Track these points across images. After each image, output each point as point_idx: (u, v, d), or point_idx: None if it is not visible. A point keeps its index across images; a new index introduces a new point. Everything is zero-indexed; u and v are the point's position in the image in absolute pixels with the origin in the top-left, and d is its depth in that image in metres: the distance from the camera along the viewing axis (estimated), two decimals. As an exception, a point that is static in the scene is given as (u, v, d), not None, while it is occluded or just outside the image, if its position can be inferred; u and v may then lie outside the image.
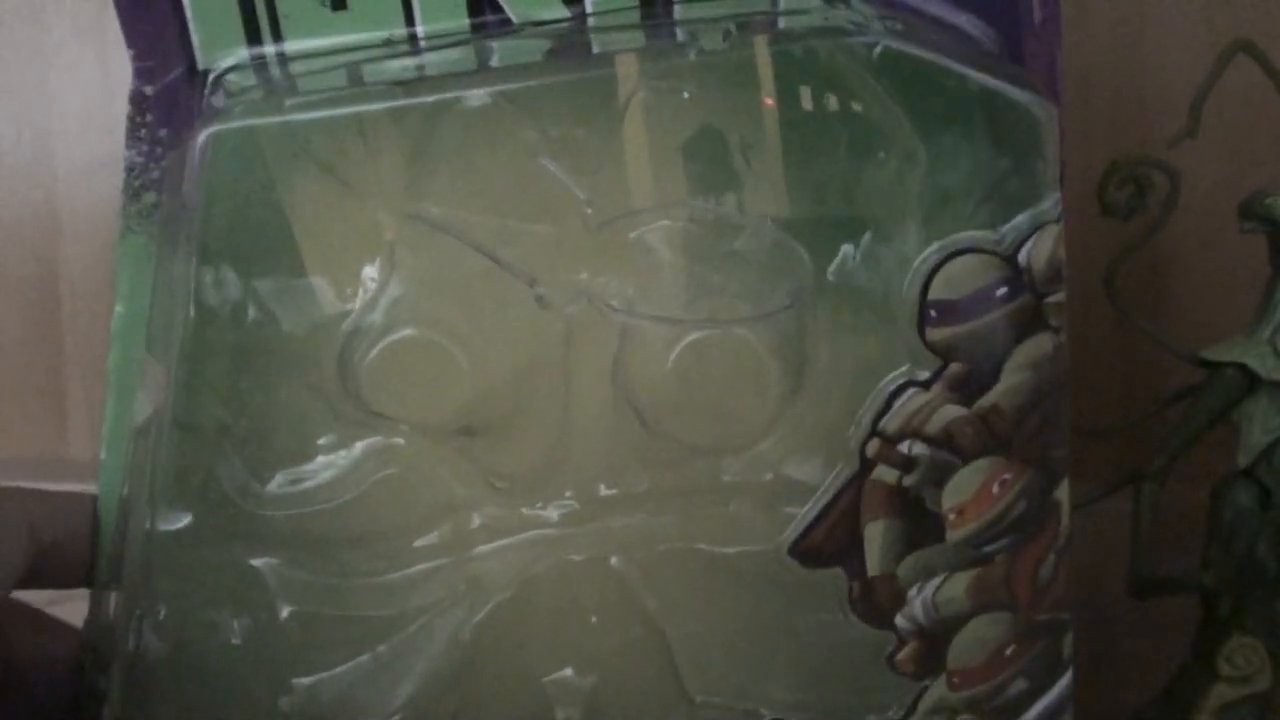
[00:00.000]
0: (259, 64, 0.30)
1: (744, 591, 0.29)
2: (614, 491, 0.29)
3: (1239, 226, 0.35)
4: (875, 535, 0.28)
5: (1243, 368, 0.34)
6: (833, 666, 0.29)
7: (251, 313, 0.28)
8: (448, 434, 0.28)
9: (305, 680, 0.30)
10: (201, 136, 0.28)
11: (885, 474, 0.27)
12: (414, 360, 0.28)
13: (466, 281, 0.28)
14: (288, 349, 0.28)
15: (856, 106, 0.27)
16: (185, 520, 0.29)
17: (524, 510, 0.29)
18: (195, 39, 0.30)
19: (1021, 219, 0.26)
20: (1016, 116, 0.26)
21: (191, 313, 0.28)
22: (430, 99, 0.27)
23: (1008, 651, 0.28)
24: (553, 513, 0.29)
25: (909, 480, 0.27)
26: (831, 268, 0.28)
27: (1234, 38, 0.34)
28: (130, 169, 0.30)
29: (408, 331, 0.28)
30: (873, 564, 0.28)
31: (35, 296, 0.42)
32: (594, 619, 0.29)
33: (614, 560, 0.29)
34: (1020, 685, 0.28)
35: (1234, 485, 0.35)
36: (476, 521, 0.29)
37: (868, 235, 0.27)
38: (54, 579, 0.30)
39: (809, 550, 0.28)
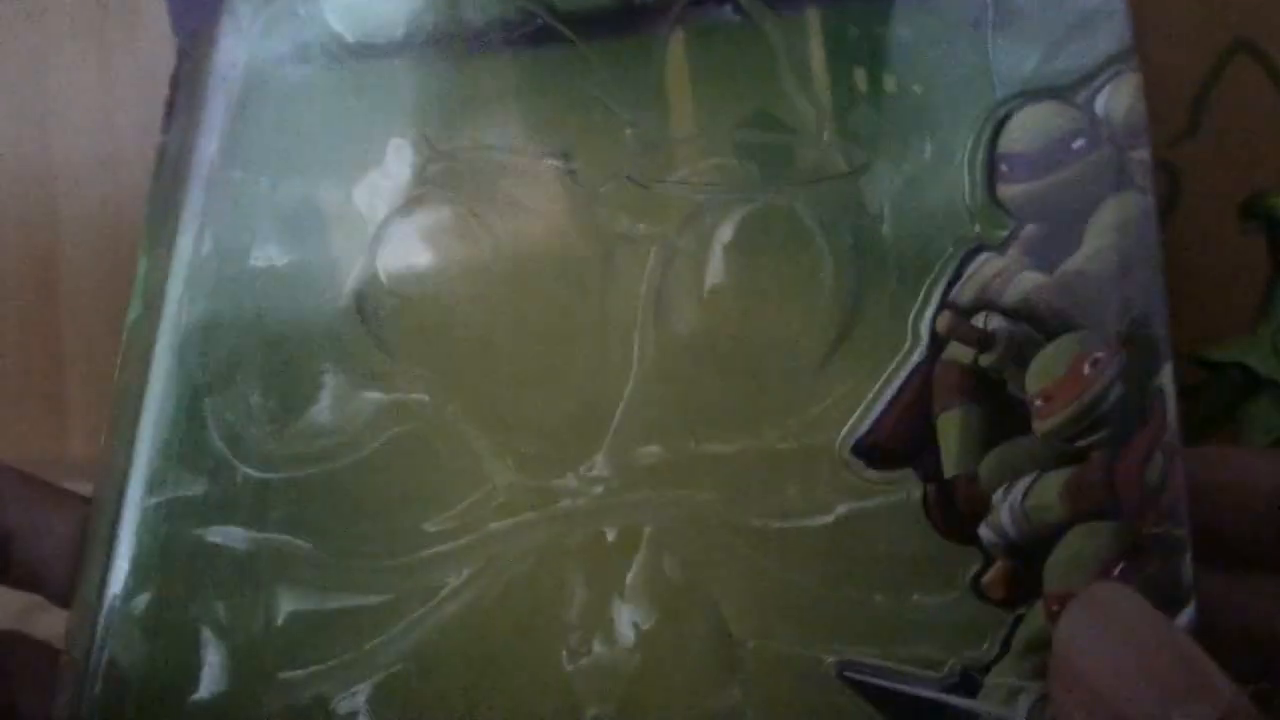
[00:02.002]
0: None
1: (799, 567, 0.25)
2: (653, 455, 0.26)
3: (1239, 226, 0.35)
4: (950, 426, 0.24)
5: (1244, 368, 0.34)
6: (908, 615, 0.24)
7: (265, 248, 0.27)
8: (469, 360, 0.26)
9: (298, 674, 0.26)
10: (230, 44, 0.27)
11: (959, 352, 0.24)
12: (441, 233, 0.26)
13: (498, 173, 0.26)
14: (302, 280, 0.27)
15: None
16: (167, 491, 0.26)
17: (554, 482, 0.26)
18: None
19: (1094, 66, 0.24)
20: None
21: (208, 247, 0.26)
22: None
23: (1116, 571, 0.24)
24: (586, 484, 0.26)
25: (986, 359, 0.24)
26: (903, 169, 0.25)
27: (1234, 37, 0.35)
28: (162, 154, 0.30)
29: (437, 208, 0.26)
30: (949, 461, 0.24)
31: (35, 296, 0.41)
32: (629, 592, 0.26)
33: (648, 530, 0.26)
34: (1134, 617, 0.24)
35: (1235, 485, 0.33)
36: (500, 497, 0.26)
37: (929, 146, 0.25)
38: (18, 575, 0.27)
39: (875, 447, 0.24)
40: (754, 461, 0.26)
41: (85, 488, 0.38)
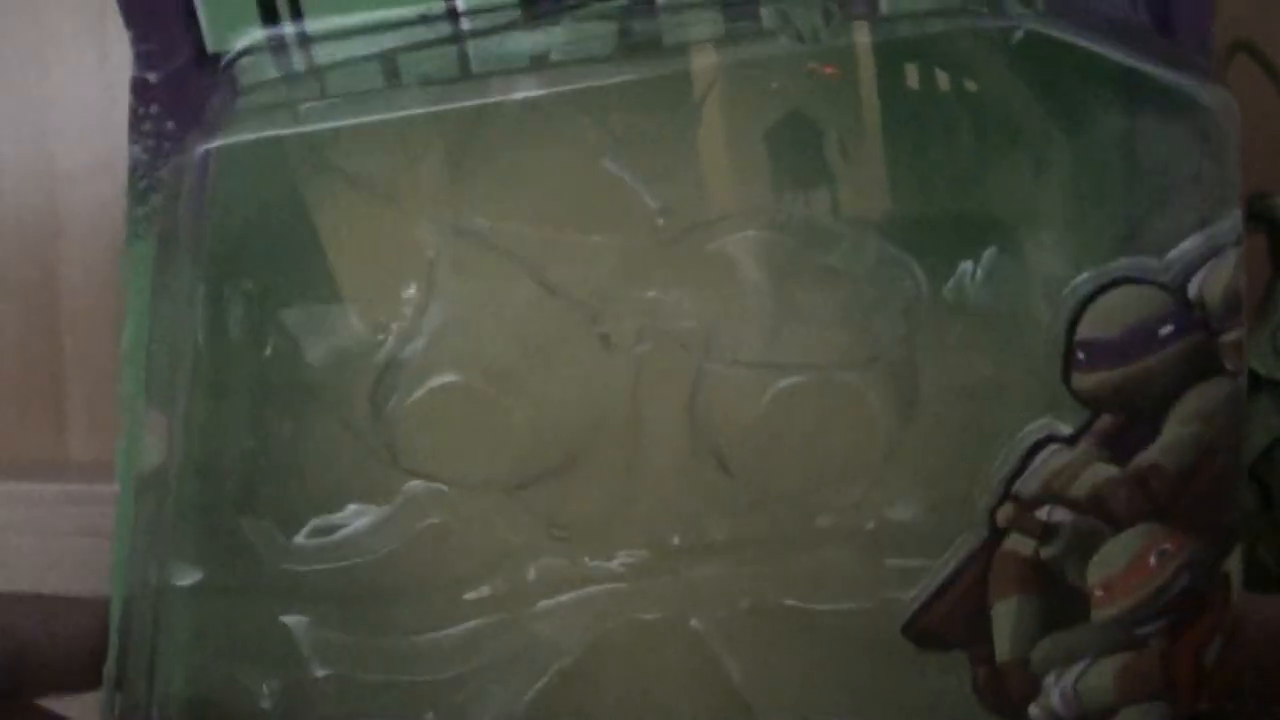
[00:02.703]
0: (277, 46, 0.26)
1: (841, 655, 0.25)
2: (689, 541, 0.25)
3: (1240, 226, 0.33)
4: (1005, 614, 0.23)
5: None
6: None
7: (273, 343, 0.25)
8: (498, 489, 0.25)
9: None
10: (204, 149, 0.24)
11: (1019, 544, 0.23)
12: (457, 411, 0.24)
13: (518, 312, 0.24)
14: (315, 383, 0.25)
15: (974, 88, 0.22)
16: (199, 575, 0.25)
17: (587, 561, 0.25)
18: (203, 18, 0.26)
19: (1192, 242, 0.22)
20: (1188, 111, 0.22)
21: (201, 339, 0.25)
22: (474, 102, 0.23)
23: (1164, 749, 0.24)
24: (620, 564, 0.25)
25: (1047, 551, 0.23)
26: (948, 285, 0.23)
27: (1234, 38, 0.34)
28: (134, 167, 0.27)
29: (450, 377, 0.24)
30: (1002, 648, 0.23)
31: (35, 298, 0.42)
32: (669, 688, 0.26)
33: (693, 621, 0.25)
34: (1175, 787, 0.24)
35: (1235, 485, 0.33)
36: (533, 574, 0.25)
37: (992, 248, 0.23)
38: (47, 683, 0.27)
39: (925, 631, 0.24)
40: (791, 547, 0.25)
41: (85, 488, 0.39)
